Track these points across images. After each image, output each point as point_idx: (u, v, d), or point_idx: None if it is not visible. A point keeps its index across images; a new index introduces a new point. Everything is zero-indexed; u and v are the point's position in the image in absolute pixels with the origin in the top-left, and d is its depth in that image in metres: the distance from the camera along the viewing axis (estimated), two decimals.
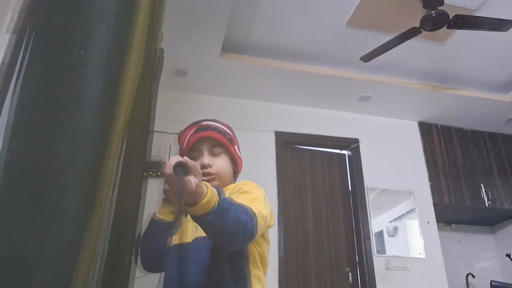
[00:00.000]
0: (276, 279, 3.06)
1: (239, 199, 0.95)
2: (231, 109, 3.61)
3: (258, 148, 3.53)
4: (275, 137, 3.65)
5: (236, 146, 1.24)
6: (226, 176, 1.19)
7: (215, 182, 1.14)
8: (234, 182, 1.24)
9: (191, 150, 1.18)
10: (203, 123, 1.22)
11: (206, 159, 1.16)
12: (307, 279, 3.22)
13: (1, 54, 0.70)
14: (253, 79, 3.48)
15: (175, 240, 1.13)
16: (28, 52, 0.69)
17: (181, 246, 1.09)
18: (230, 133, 1.25)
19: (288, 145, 3.71)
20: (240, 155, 1.26)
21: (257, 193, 1.05)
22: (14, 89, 0.68)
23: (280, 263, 3.13)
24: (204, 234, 1.00)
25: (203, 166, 1.14)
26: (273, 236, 3.19)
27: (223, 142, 1.19)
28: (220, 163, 1.18)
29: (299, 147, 3.79)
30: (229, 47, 3.19)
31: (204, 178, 1.11)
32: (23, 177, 0.61)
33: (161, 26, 1.26)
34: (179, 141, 1.23)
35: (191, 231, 1.10)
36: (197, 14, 2.69)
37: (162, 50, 1.44)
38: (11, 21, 0.73)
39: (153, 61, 1.21)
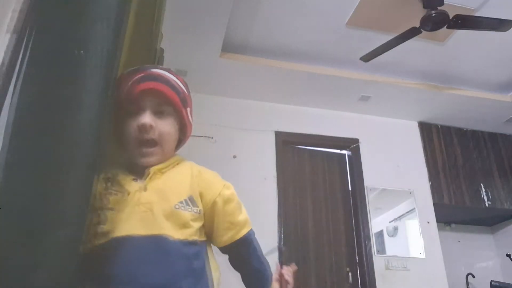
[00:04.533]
0: None
1: (234, 214, 0.93)
2: (231, 109, 3.61)
3: (258, 148, 3.52)
4: (275, 137, 3.65)
5: (189, 109, 0.98)
6: (170, 144, 0.93)
7: (154, 159, 0.88)
8: (176, 151, 0.99)
9: (129, 102, 0.88)
10: (153, 70, 0.93)
11: (148, 117, 0.87)
12: (307, 279, 3.22)
13: (1, 54, 0.70)
14: (253, 79, 3.48)
15: (115, 228, 0.79)
16: (28, 52, 0.69)
17: (128, 239, 0.79)
18: (185, 90, 0.97)
19: (288, 145, 3.71)
20: (191, 120, 1.00)
21: (236, 196, 0.96)
22: (14, 89, 0.68)
23: (280, 263, 3.12)
24: (159, 231, 0.80)
25: (143, 128, 0.86)
26: (273, 236, 3.19)
27: (174, 101, 0.91)
28: (165, 127, 0.90)
29: (299, 147, 3.79)
30: (229, 47, 3.19)
31: (144, 150, 0.87)
32: (23, 177, 0.61)
33: (161, 26, 1.26)
34: (117, 87, 0.89)
35: (140, 216, 0.81)
36: (197, 14, 2.69)
37: (162, 50, 1.44)
38: (11, 21, 0.73)
39: (153, 61, 1.21)
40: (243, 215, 0.96)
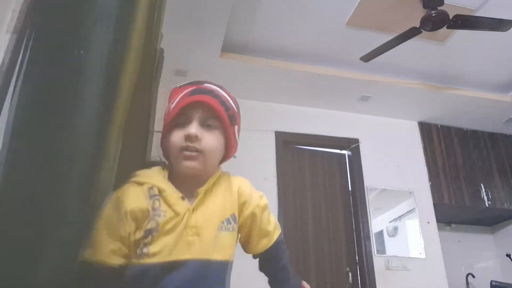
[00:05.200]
0: None
1: (269, 221, 0.98)
2: None
3: (258, 148, 3.52)
4: (275, 137, 3.65)
5: (236, 127, 0.99)
6: (213, 158, 0.91)
7: (196, 163, 0.87)
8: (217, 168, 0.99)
9: (178, 113, 0.89)
10: (206, 85, 0.94)
11: (194, 128, 0.87)
12: (307, 279, 3.21)
13: (1, 54, 0.70)
14: (253, 79, 3.48)
15: (162, 251, 0.80)
16: (28, 52, 0.69)
17: (174, 265, 0.80)
18: (235, 108, 0.99)
19: (288, 145, 3.71)
20: (238, 139, 1.00)
21: (267, 203, 1.02)
22: (14, 89, 0.68)
23: None
24: (203, 256, 0.83)
25: (188, 137, 0.86)
26: None
27: (222, 116, 0.91)
28: (211, 140, 0.89)
29: (299, 147, 3.78)
30: (229, 47, 3.19)
31: (186, 153, 0.86)
32: (23, 177, 0.61)
33: (161, 26, 1.25)
34: (169, 99, 0.95)
35: (188, 241, 0.82)
36: (197, 14, 2.69)
37: (162, 50, 1.44)
38: (11, 21, 0.73)
39: (153, 61, 1.21)
40: (273, 219, 1.00)
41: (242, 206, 0.93)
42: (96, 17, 0.73)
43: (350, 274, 3.32)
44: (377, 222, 3.57)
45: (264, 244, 0.96)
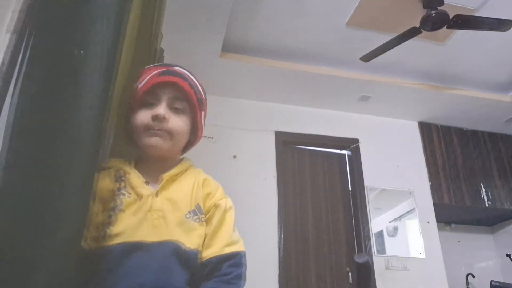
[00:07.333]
0: (276, 279, 3.05)
1: (233, 230, 0.89)
2: (231, 109, 3.61)
3: (258, 148, 3.52)
4: (275, 137, 3.65)
5: (203, 113, 0.98)
6: (179, 141, 0.92)
7: (162, 142, 0.88)
8: (183, 154, 0.99)
9: (147, 92, 0.89)
10: (176, 67, 0.95)
11: (163, 109, 0.87)
12: (307, 279, 3.22)
13: (1, 54, 0.70)
14: (253, 79, 3.48)
15: (125, 232, 0.78)
16: (28, 52, 0.69)
17: (139, 245, 0.77)
18: (203, 94, 0.97)
19: (288, 145, 3.71)
20: (203, 125, 0.99)
21: (231, 213, 0.92)
22: (14, 89, 0.68)
23: (280, 263, 3.13)
24: (172, 238, 0.80)
25: (156, 117, 0.86)
26: (273, 236, 3.19)
27: (191, 99, 0.92)
28: (178, 122, 0.90)
29: (299, 147, 3.79)
30: (229, 47, 3.19)
31: (152, 131, 0.87)
32: (23, 177, 0.61)
33: (161, 26, 1.26)
34: (138, 79, 0.93)
35: (153, 223, 0.81)
36: (197, 14, 2.69)
37: (162, 50, 1.44)
38: (11, 21, 0.73)
39: (153, 61, 1.21)
40: (237, 233, 0.91)
41: (206, 197, 0.91)
42: (96, 17, 0.73)
43: (350, 274, 3.32)
44: (377, 222, 3.57)
45: (219, 248, 0.85)
